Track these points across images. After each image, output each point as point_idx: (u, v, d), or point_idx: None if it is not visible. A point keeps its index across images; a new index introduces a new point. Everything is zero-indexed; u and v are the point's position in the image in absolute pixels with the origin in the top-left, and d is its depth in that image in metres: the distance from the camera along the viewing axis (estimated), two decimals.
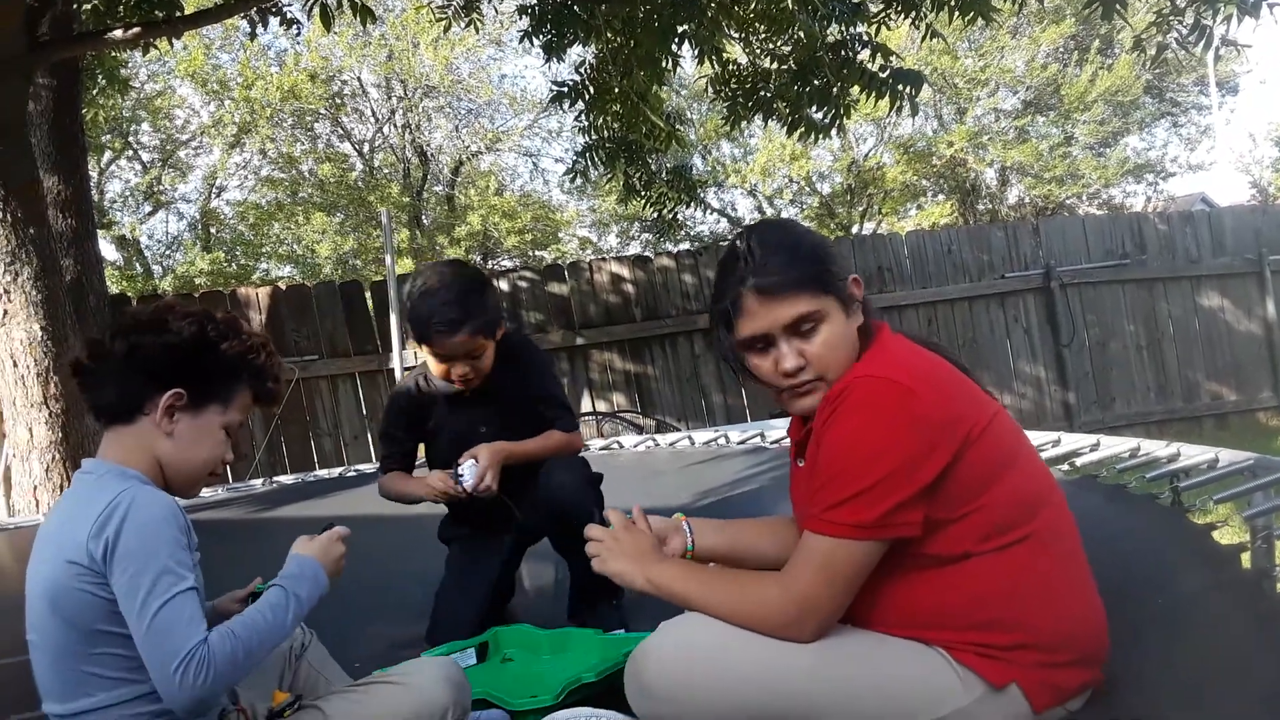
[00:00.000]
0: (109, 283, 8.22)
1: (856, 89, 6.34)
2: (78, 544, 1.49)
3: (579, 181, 7.86)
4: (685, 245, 15.04)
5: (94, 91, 8.35)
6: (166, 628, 1.46)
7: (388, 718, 1.65)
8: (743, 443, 5.43)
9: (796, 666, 1.51)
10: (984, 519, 1.52)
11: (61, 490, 5.80)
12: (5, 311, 5.74)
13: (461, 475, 2.50)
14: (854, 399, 1.50)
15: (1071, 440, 3.62)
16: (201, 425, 1.65)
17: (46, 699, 1.56)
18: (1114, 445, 3.43)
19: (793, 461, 1.77)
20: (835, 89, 6.39)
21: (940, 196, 17.80)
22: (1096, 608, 1.63)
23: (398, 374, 7.60)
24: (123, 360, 1.61)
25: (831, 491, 1.50)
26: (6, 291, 5.73)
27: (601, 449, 5.76)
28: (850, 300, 1.62)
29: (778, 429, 5.62)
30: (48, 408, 5.78)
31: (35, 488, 5.86)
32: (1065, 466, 3.36)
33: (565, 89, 6.81)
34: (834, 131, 6.85)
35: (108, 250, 10.17)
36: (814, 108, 6.60)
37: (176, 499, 1.61)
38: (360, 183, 15.70)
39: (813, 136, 6.81)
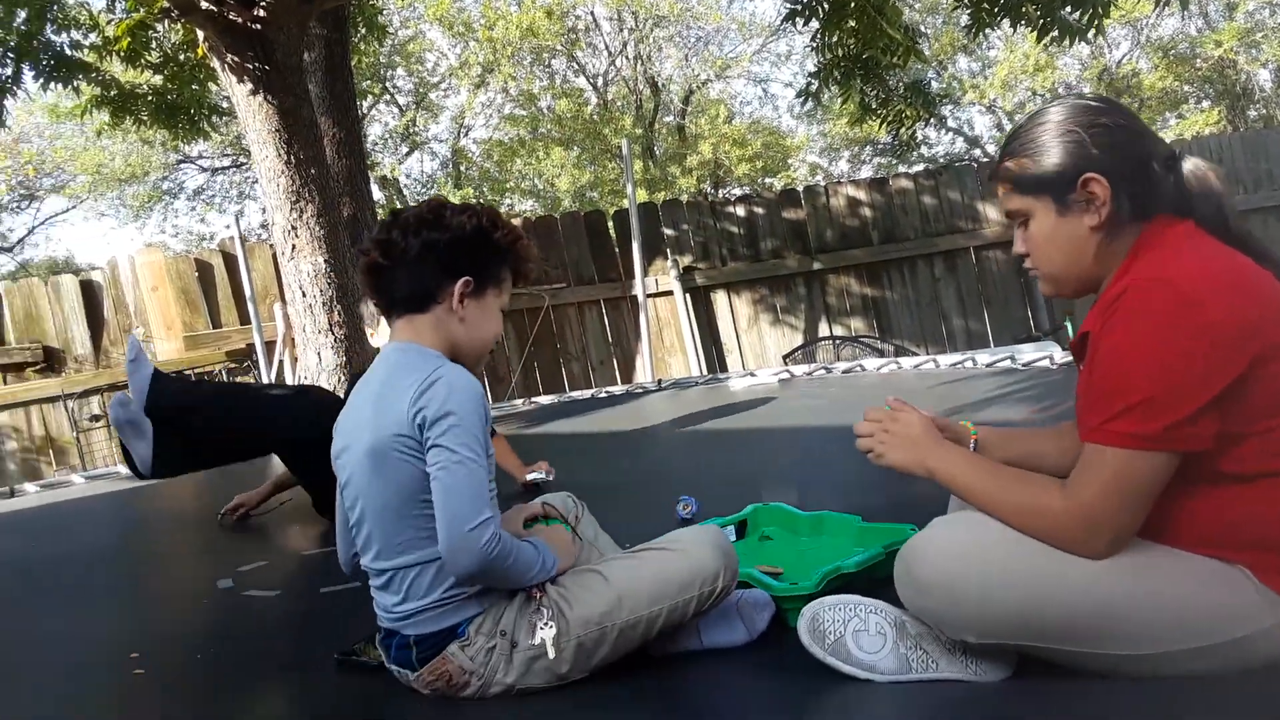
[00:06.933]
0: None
1: None
2: (398, 414, 1.65)
3: (810, 105, 7.75)
4: (919, 168, 14.52)
5: (356, 39, 8.94)
6: (468, 489, 1.60)
7: (664, 579, 1.72)
8: (991, 365, 5.29)
9: (1083, 575, 1.44)
10: None
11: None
12: (294, 246, 6.33)
13: None
14: (1128, 304, 1.42)
15: None
16: (485, 306, 1.82)
17: (366, 554, 1.75)
18: None
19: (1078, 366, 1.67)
20: None
21: (1205, 104, 16.28)
22: None
23: (640, 299, 7.85)
24: (417, 256, 1.75)
25: (1112, 401, 1.42)
26: (294, 228, 6.30)
27: (844, 372, 5.77)
28: (1073, 203, 1.53)
29: (1028, 353, 5.44)
30: (333, 333, 6.35)
31: None
32: None
33: (799, 6, 6.69)
34: (1090, 34, 6.41)
35: (372, 190, 10.95)
36: (1068, 8, 6.19)
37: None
38: (595, 116, 16.06)
39: (1066, 41, 6.40)
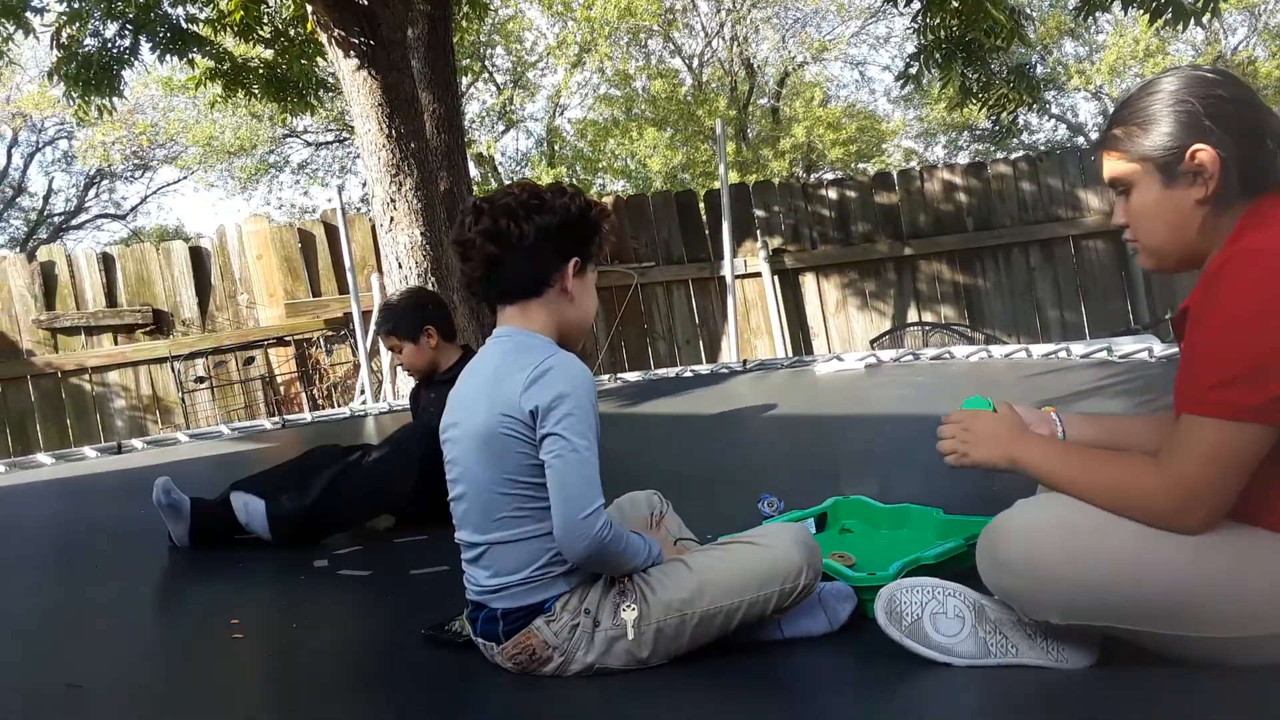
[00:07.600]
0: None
1: None
2: (510, 396, 1.69)
3: (909, 88, 7.64)
4: (1018, 155, 14.17)
5: (457, 16, 9.06)
6: (582, 477, 1.65)
7: (746, 572, 1.74)
8: (1086, 356, 5.17)
9: (1174, 558, 1.40)
10: None
11: None
12: (392, 219, 6.48)
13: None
14: (1230, 275, 1.39)
15: None
16: (586, 284, 1.87)
17: (463, 529, 1.81)
18: None
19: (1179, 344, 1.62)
20: None
21: None
22: None
23: (729, 280, 7.85)
24: (533, 242, 1.78)
25: (1214, 370, 1.38)
26: (393, 200, 6.45)
27: (933, 358, 5.71)
28: (1180, 175, 1.49)
29: (1126, 345, 5.30)
30: None
31: None
32: None
33: None
34: (1205, 18, 6.18)
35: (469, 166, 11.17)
36: None
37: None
38: (689, 98, 16.04)
39: (1179, 25, 6.19)
